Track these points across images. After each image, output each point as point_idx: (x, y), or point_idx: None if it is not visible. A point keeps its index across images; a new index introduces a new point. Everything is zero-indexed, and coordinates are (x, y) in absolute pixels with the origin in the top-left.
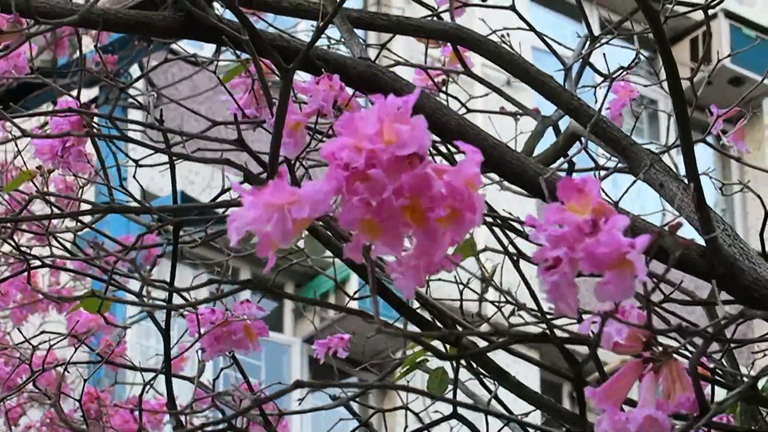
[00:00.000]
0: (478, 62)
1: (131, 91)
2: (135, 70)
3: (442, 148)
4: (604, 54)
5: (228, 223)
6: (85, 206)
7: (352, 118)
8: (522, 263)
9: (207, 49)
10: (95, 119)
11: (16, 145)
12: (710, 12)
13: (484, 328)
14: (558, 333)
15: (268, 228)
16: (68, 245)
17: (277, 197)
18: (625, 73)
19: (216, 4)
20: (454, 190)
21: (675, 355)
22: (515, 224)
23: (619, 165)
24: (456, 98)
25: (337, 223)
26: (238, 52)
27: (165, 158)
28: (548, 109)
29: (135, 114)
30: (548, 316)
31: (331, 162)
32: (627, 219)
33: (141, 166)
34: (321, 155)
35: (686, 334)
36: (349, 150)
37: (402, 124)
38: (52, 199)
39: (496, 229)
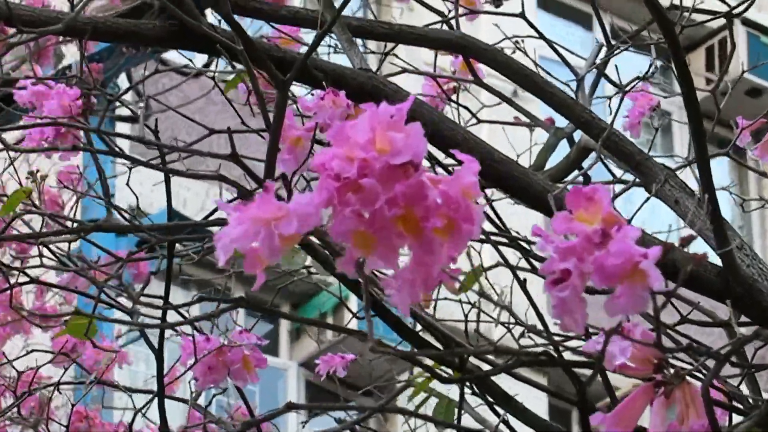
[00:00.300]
0: (483, 72)
1: (121, 102)
2: (123, 81)
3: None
4: (616, 66)
5: (215, 242)
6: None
7: (344, 127)
8: (531, 284)
9: (199, 59)
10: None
11: (10, 159)
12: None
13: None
14: (567, 356)
15: (256, 244)
16: (56, 259)
17: (263, 212)
18: (640, 83)
19: (209, 12)
20: (450, 200)
21: (688, 378)
22: (523, 243)
23: (636, 180)
24: (466, 108)
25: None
26: (234, 63)
27: (151, 172)
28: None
29: (123, 127)
30: (556, 338)
31: (322, 173)
32: (638, 230)
33: (133, 166)
34: (311, 166)
35: (697, 353)
36: (340, 160)
37: (396, 132)
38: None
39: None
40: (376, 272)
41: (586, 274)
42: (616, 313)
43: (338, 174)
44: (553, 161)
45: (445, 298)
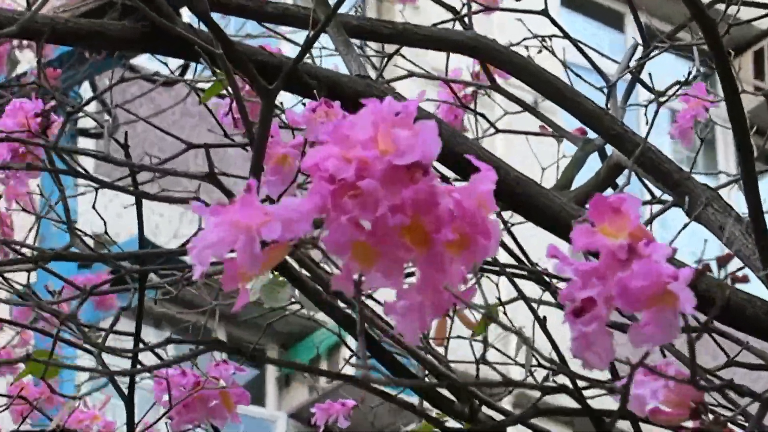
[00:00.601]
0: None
1: (85, 113)
2: (86, 91)
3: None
4: (649, 74)
5: (189, 251)
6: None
7: (340, 124)
8: (556, 325)
9: (173, 65)
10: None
11: None
12: None
13: (508, 398)
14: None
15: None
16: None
17: (244, 215)
18: (680, 89)
19: (185, 11)
20: (465, 210)
21: (730, 426)
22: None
23: (674, 202)
24: (482, 115)
25: (327, 277)
26: (213, 69)
27: (119, 195)
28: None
29: (86, 143)
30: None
31: (315, 174)
32: (669, 248)
33: (98, 188)
34: (302, 167)
35: (739, 394)
36: (336, 159)
37: (402, 129)
38: None
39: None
40: (376, 311)
41: (611, 300)
42: (642, 343)
43: (333, 175)
44: (581, 179)
45: (458, 336)
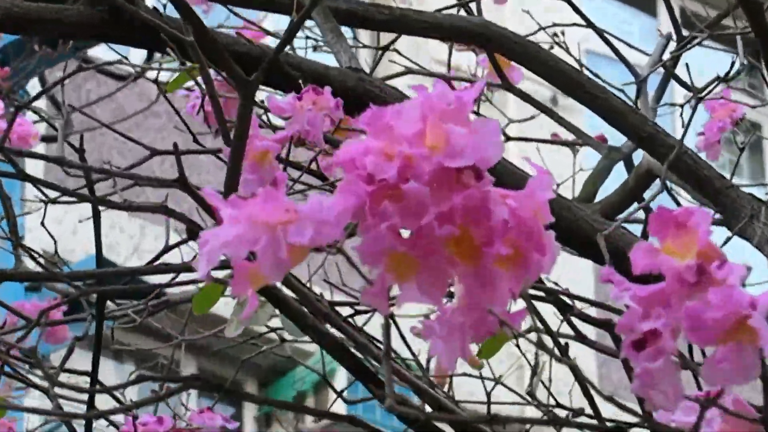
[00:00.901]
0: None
1: (34, 112)
2: (35, 87)
3: None
4: (687, 65)
5: (199, 247)
6: None
7: (382, 113)
8: (579, 355)
9: (136, 57)
10: None
11: None
12: None
13: None
14: None
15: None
16: None
17: (268, 212)
18: (720, 86)
19: None
20: (521, 222)
21: None
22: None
23: (716, 215)
24: None
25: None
26: (184, 61)
27: (73, 209)
28: (618, 137)
29: (35, 147)
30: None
31: (350, 171)
32: (743, 267)
33: (49, 202)
34: (335, 162)
35: None
36: (376, 156)
37: (456, 125)
38: None
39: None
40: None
41: (677, 329)
42: (717, 382)
43: (372, 174)
44: (604, 191)
45: (464, 374)
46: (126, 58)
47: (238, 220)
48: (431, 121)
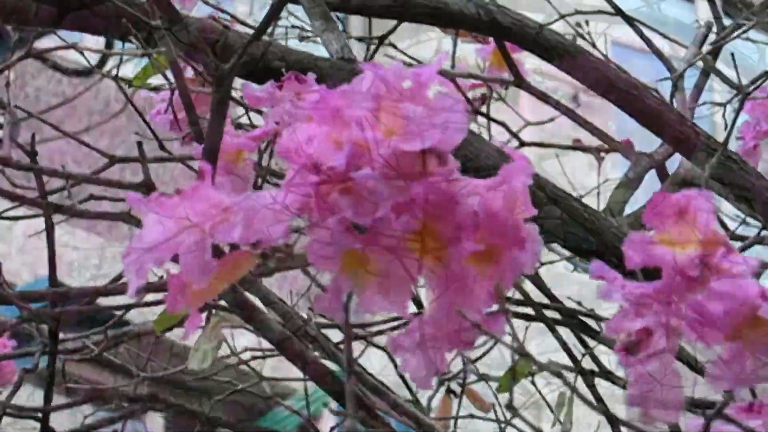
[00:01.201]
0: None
1: None
2: None
3: None
4: (732, 54)
5: (122, 260)
6: None
7: (329, 95)
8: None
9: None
10: None
11: None
12: None
13: None
14: None
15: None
16: None
17: (196, 210)
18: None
19: None
20: (493, 214)
21: None
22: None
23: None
24: (502, 124)
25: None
26: (149, 51)
27: (19, 227)
28: (648, 141)
29: None
30: None
31: (293, 161)
32: (755, 260)
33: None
34: (277, 151)
35: None
36: (322, 142)
37: (414, 104)
38: None
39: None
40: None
41: (677, 329)
42: (726, 384)
43: (318, 163)
44: (635, 203)
45: (470, 416)
46: (76, 45)
47: (162, 220)
48: (385, 102)
